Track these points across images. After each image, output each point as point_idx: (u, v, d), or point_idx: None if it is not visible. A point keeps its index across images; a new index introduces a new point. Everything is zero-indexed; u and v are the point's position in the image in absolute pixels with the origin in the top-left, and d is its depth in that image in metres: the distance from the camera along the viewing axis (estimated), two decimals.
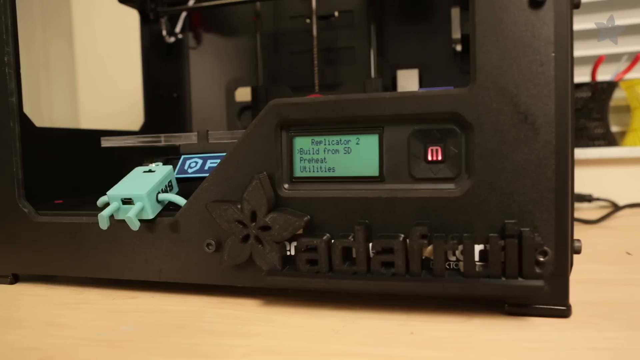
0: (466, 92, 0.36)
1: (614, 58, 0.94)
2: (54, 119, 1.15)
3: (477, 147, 0.36)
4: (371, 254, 0.37)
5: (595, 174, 0.90)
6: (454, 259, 0.37)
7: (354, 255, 0.38)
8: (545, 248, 0.35)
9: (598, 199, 0.85)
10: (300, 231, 0.40)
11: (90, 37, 1.13)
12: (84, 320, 0.39)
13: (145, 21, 0.76)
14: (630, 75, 0.92)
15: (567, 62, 0.35)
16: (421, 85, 0.70)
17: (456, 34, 0.65)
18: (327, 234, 0.39)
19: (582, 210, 0.85)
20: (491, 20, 0.35)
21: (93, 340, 0.35)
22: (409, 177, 0.38)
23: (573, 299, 0.39)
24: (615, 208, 0.80)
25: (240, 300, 0.43)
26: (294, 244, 0.39)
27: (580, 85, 0.87)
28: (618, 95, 0.93)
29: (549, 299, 0.36)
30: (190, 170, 0.48)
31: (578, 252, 0.37)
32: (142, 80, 0.76)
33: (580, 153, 0.87)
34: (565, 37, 0.35)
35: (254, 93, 0.74)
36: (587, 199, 0.84)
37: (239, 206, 0.40)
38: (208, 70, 0.80)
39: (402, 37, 0.72)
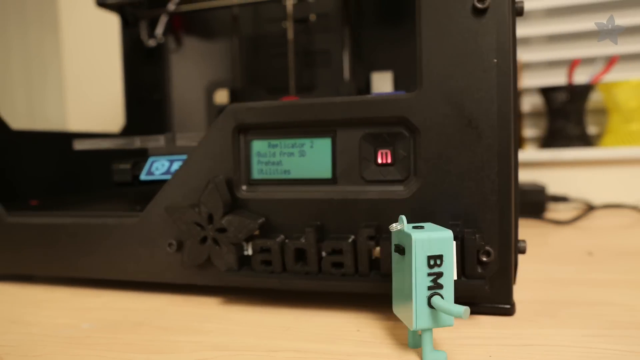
0: (413, 97, 0.37)
1: (590, 61, 0.95)
2: (39, 120, 1.16)
3: (423, 151, 0.37)
4: (324, 254, 0.39)
5: (573, 175, 0.91)
6: None
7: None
8: (488, 248, 0.36)
9: (574, 200, 0.86)
10: (257, 232, 0.41)
11: (79, 39, 1.14)
12: (48, 318, 0.41)
13: (125, 25, 0.77)
14: (607, 78, 0.93)
15: (509, 68, 0.36)
16: (396, 87, 0.72)
17: None
18: (282, 236, 0.40)
19: (557, 212, 0.86)
20: (436, 27, 0.36)
21: (52, 337, 0.36)
22: (360, 179, 0.40)
23: (523, 297, 0.41)
24: (588, 209, 0.81)
25: (202, 299, 0.44)
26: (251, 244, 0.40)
27: (557, 88, 0.88)
28: (596, 98, 0.94)
29: (493, 297, 0.37)
30: (157, 172, 0.49)
31: (522, 252, 0.38)
32: (123, 83, 0.77)
33: (557, 154, 0.88)
34: (507, 44, 0.36)
35: (231, 95, 0.75)
36: (563, 199, 0.85)
37: (197, 209, 0.41)
38: (189, 73, 0.81)
39: (377, 40, 0.73)
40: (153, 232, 0.44)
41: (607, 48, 0.93)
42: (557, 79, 0.94)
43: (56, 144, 0.60)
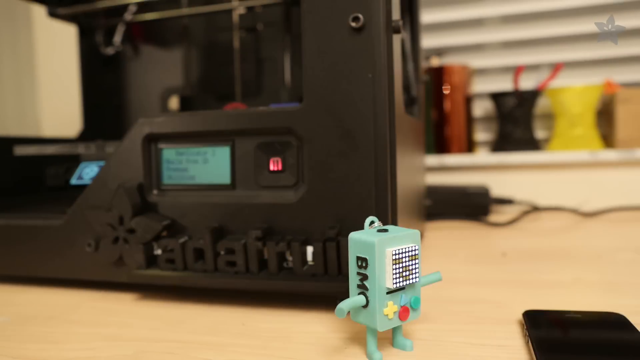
0: (298, 109, 0.40)
1: (541, 67, 0.97)
2: (10, 125, 1.20)
3: (308, 159, 0.40)
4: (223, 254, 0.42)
5: (520, 178, 0.94)
6: (291, 259, 0.41)
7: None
8: None
9: (519, 203, 0.89)
10: (165, 233, 0.44)
11: (52, 45, 1.18)
12: None
13: (83, 34, 0.80)
14: (554, 84, 0.96)
15: (384, 83, 0.39)
16: None
17: None
18: (186, 236, 0.43)
19: (503, 214, 0.89)
20: (317, 44, 0.40)
21: None
22: (255, 185, 0.43)
23: None
24: (525, 212, 0.84)
25: (119, 295, 0.47)
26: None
27: (506, 93, 0.91)
28: (545, 103, 0.97)
29: None
30: (86, 177, 0.52)
31: None
32: (80, 89, 0.80)
33: (505, 158, 0.91)
34: (382, 61, 0.39)
35: (181, 102, 0.79)
36: (508, 202, 0.87)
37: (109, 211, 0.44)
38: (146, 80, 0.85)
39: None
40: (75, 233, 0.48)
41: (552, 55, 0.95)
42: (506, 85, 0.97)
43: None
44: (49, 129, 1.20)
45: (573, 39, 0.97)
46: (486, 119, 1.02)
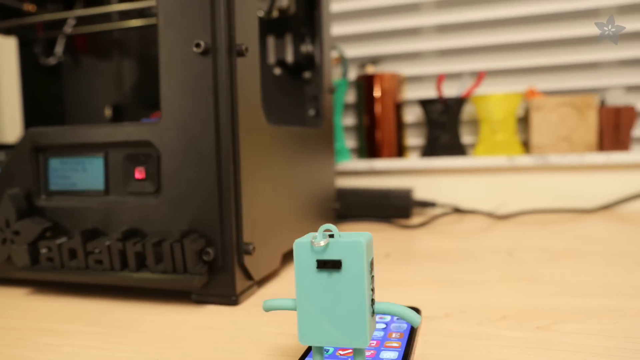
0: (155, 124, 0.45)
1: (458, 76, 1.02)
2: None
3: (165, 168, 0.45)
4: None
5: (446, 182, 0.98)
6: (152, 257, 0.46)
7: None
8: (209, 249, 0.44)
9: (442, 205, 0.93)
10: (49, 234, 0.49)
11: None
12: None
13: (22, 45, 0.85)
14: (479, 91, 1.00)
15: (227, 101, 0.44)
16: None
17: (271, 59, 0.74)
18: (65, 238, 0.48)
19: (425, 216, 0.94)
20: (171, 64, 0.44)
21: None
22: (124, 191, 0.48)
23: (269, 292, 0.48)
24: (440, 214, 0.88)
25: (13, 291, 0.52)
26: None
27: (433, 100, 0.95)
28: (470, 109, 1.02)
29: (221, 290, 0.45)
30: None
31: (248, 253, 0.46)
32: (21, 97, 0.86)
33: (431, 163, 0.95)
34: (225, 81, 0.43)
35: (114, 111, 0.84)
36: (431, 205, 0.92)
37: None
38: (86, 89, 0.90)
39: None
40: None
41: (480, 63, 1.00)
42: (432, 93, 1.02)
43: None
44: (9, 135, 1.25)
45: (499, 48, 1.01)
46: (418, 125, 1.06)
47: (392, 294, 0.46)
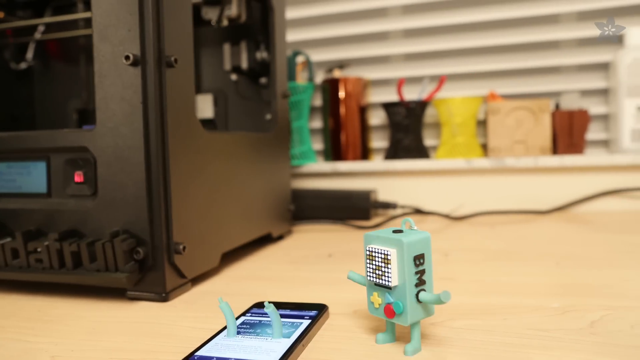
0: (91, 131, 0.48)
1: (419, 80, 1.05)
2: None
3: (100, 173, 0.48)
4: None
5: (408, 184, 1.01)
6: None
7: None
8: (139, 249, 0.47)
9: (403, 207, 0.96)
10: None
11: None
12: None
13: None
14: (441, 95, 1.03)
15: (156, 109, 0.46)
16: (216, 105, 0.82)
17: (227, 66, 0.77)
18: (9, 238, 0.51)
19: (386, 216, 0.96)
20: (105, 74, 0.47)
21: None
22: (65, 194, 0.50)
23: (206, 288, 0.51)
24: (395, 216, 0.91)
25: None
26: None
27: (395, 104, 0.98)
28: (433, 113, 1.04)
29: (152, 287, 0.48)
30: None
31: (179, 252, 0.49)
32: None
33: (392, 165, 0.98)
34: (155, 90, 0.46)
35: (79, 115, 0.86)
36: (392, 206, 0.94)
37: None
38: (56, 93, 0.93)
39: (200, 65, 0.83)
40: None
41: (445, 68, 1.02)
42: (394, 97, 1.04)
43: None
44: None
45: (461, 52, 1.04)
46: (383, 127, 1.09)
47: (308, 293, 0.49)
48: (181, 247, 0.49)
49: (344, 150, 1.02)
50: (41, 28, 0.89)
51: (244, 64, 0.76)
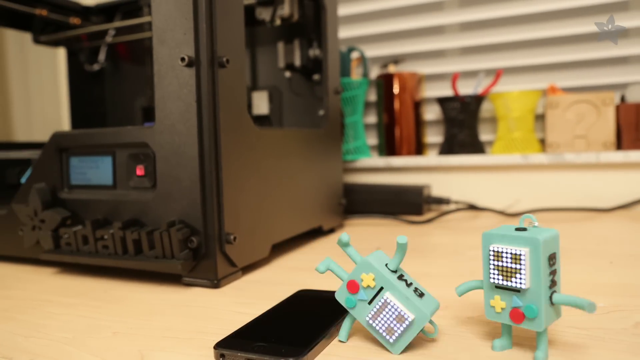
0: (151, 128, 0.52)
1: (475, 74, 1.02)
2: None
3: (159, 167, 0.52)
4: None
5: (463, 179, 0.99)
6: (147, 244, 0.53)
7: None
8: (193, 238, 0.50)
9: (457, 202, 0.95)
10: (69, 222, 0.57)
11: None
12: None
13: (70, 54, 0.96)
14: (497, 89, 1.01)
15: (209, 107, 0.49)
16: (271, 102, 0.85)
17: (281, 63, 0.79)
18: (80, 226, 0.56)
19: (439, 212, 0.96)
20: (163, 73, 0.51)
21: None
22: (128, 186, 0.55)
23: (255, 277, 0.54)
24: (447, 212, 0.90)
25: (43, 269, 0.61)
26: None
27: (450, 99, 0.97)
28: (488, 107, 1.02)
29: (204, 274, 0.51)
30: (23, 179, 0.66)
31: (229, 242, 0.51)
32: (69, 101, 0.96)
33: (447, 160, 0.97)
34: (207, 90, 0.49)
35: (144, 112, 0.92)
36: (445, 201, 0.94)
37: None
38: (125, 92, 0.99)
39: (256, 64, 0.86)
40: (14, 222, 0.62)
41: (495, 62, 1.00)
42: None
43: None
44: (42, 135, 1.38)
45: (519, 45, 1.01)
46: (438, 122, 1.08)
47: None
48: (232, 237, 0.52)
49: (398, 146, 1.02)
50: (112, 32, 0.95)
51: (297, 62, 0.78)
